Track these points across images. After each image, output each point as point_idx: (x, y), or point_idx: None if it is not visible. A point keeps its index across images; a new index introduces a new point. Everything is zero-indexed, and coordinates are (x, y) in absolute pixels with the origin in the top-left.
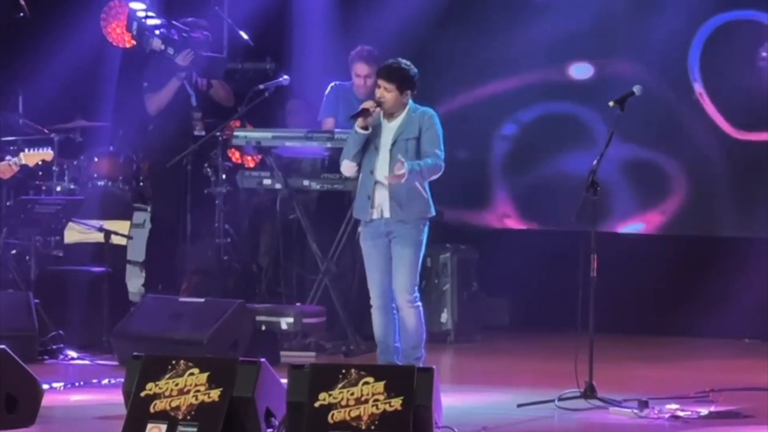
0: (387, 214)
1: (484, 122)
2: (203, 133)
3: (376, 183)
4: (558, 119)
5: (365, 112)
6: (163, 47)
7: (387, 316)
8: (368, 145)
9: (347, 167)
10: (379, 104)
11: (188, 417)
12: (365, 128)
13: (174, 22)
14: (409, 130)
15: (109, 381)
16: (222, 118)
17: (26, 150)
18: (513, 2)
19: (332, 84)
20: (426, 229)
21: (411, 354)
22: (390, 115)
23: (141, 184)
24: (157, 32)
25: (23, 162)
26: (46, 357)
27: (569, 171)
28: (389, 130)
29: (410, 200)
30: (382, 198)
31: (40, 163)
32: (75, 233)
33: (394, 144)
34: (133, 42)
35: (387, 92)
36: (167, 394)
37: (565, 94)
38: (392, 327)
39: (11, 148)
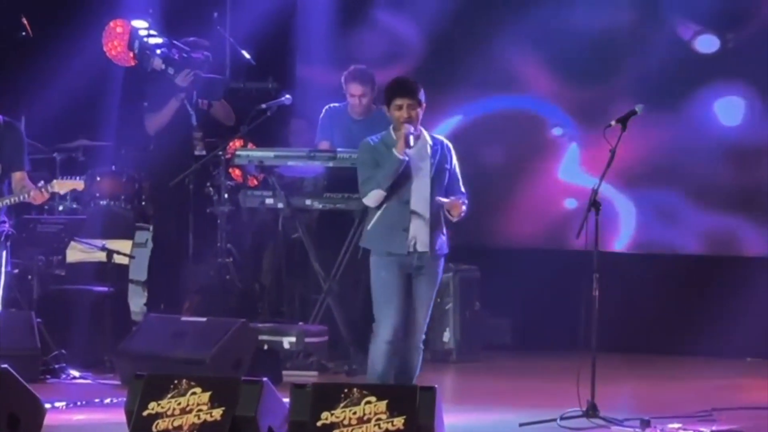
0: (421, 248)
1: (481, 140)
2: (204, 152)
3: (412, 214)
4: (557, 138)
5: (407, 138)
6: (163, 67)
7: (395, 356)
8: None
9: (377, 197)
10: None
11: None
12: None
13: (175, 41)
14: (444, 159)
15: (111, 400)
16: (223, 138)
17: (59, 178)
18: (511, 23)
19: (326, 107)
20: None
21: None
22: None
23: (143, 203)
24: (158, 51)
25: (55, 189)
26: (48, 376)
27: (572, 189)
28: (420, 156)
29: (441, 235)
30: (417, 230)
31: (70, 191)
32: (77, 252)
33: (435, 172)
34: (135, 61)
35: (413, 110)
36: (170, 413)
37: (563, 114)
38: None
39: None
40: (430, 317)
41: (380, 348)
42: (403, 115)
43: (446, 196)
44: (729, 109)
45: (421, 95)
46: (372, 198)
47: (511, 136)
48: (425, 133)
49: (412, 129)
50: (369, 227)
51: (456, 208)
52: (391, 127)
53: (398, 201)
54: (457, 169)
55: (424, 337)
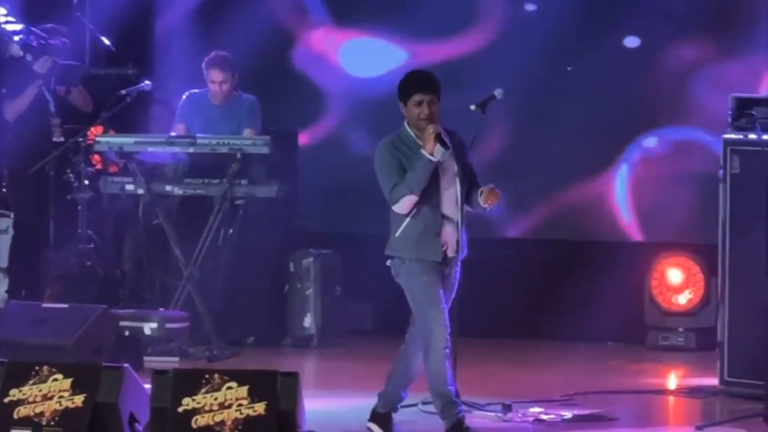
0: (451, 254)
1: (347, 126)
2: (62, 139)
3: (444, 218)
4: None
5: (439, 137)
6: (21, 54)
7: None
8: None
9: (410, 203)
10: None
11: (52, 423)
12: (432, 154)
13: (33, 28)
14: (463, 153)
15: None
16: (83, 124)
17: None
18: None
19: (187, 93)
20: None
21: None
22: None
23: (3, 190)
24: (16, 38)
25: None
26: None
27: None
28: (442, 154)
29: (466, 237)
30: (448, 235)
31: None
32: None
33: (460, 170)
34: None
35: (433, 106)
36: (31, 400)
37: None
38: None
39: None
40: (321, 305)
41: (440, 355)
42: (423, 111)
43: (469, 193)
44: None
45: (438, 89)
46: (404, 205)
47: (377, 123)
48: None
49: (440, 128)
50: (397, 234)
51: (494, 196)
52: (405, 125)
53: (429, 205)
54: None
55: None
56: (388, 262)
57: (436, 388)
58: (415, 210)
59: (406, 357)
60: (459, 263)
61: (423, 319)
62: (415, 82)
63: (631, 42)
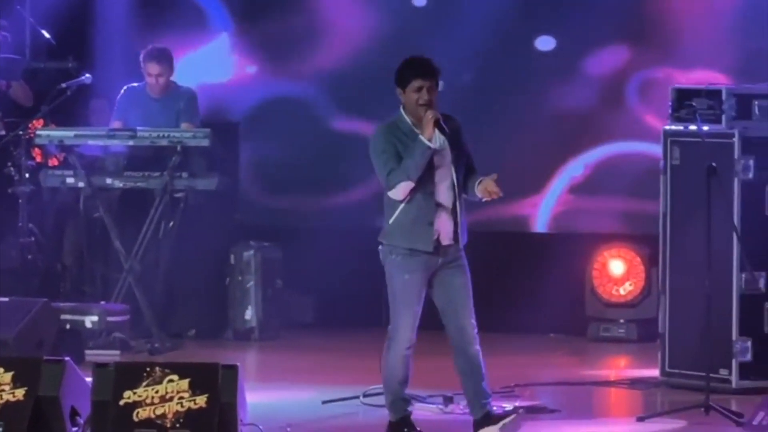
0: (446, 242)
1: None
2: (3, 132)
3: (438, 206)
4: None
5: (438, 123)
6: None
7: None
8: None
9: (406, 189)
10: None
11: None
12: (430, 140)
13: None
14: (459, 138)
15: None
16: (23, 118)
17: None
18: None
19: (125, 87)
20: None
21: (487, 395)
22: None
23: None
24: None
25: None
26: None
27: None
28: (441, 142)
29: (464, 223)
30: (442, 223)
31: None
32: None
33: (455, 156)
34: None
35: (433, 93)
36: None
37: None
38: None
39: None
40: (262, 298)
41: (400, 354)
42: (423, 97)
43: (465, 180)
44: None
45: (437, 74)
46: (400, 190)
47: (305, 116)
48: None
49: (438, 114)
50: (391, 221)
51: (494, 192)
52: (402, 111)
53: (422, 193)
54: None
55: (474, 322)
56: (380, 248)
57: (388, 383)
58: (408, 197)
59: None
60: (462, 250)
61: (393, 315)
62: (415, 67)
63: (545, 44)
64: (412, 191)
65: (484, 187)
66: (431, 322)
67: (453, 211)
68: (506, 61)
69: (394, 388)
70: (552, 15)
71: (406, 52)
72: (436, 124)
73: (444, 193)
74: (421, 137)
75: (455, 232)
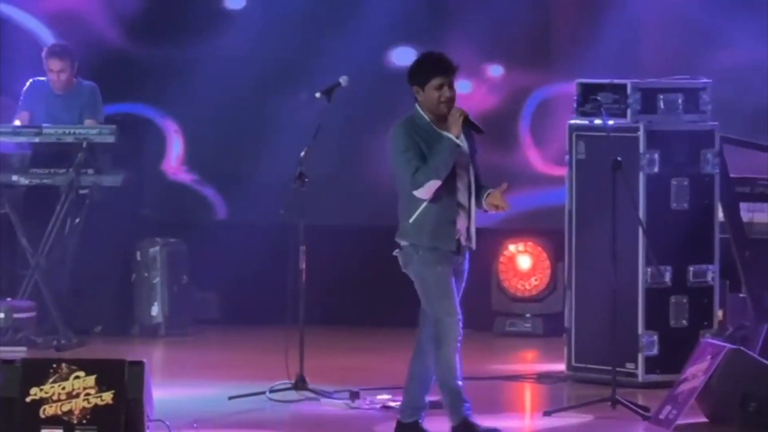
0: (464, 243)
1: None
2: None
3: (459, 206)
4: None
5: (468, 120)
6: None
7: None
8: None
9: (433, 188)
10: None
11: None
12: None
13: None
14: (473, 141)
15: None
16: None
17: None
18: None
19: (30, 81)
20: None
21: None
22: (442, 121)
23: None
24: None
25: None
26: None
27: (280, 163)
28: (461, 140)
29: (475, 227)
30: (462, 223)
31: None
32: None
33: (473, 158)
34: None
35: (452, 90)
36: None
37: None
38: None
39: None
40: (168, 294)
41: (452, 347)
42: (444, 94)
43: (477, 183)
44: None
45: (455, 72)
46: (427, 189)
47: (238, 109)
48: None
49: (467, 111)
50: (411, 220)
51: (501, 206)
52: (418, 108)
53: (446, 192)
54: None
55: None
56: (396, 252)
57: (445, 381)
58: (432, 196)
59: (423, 356)
60: (468, 253)
61: (434, 311)
62: (435, 65)
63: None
64: (437, 190)
65: (491, 201)
66: (334, 319)
67: (469, 211)
68: None
69: (452, 387)
70: None
71: None
72: (466, 121)
73: (464, 194)
74: (450, 135)
75: (468, 232)
